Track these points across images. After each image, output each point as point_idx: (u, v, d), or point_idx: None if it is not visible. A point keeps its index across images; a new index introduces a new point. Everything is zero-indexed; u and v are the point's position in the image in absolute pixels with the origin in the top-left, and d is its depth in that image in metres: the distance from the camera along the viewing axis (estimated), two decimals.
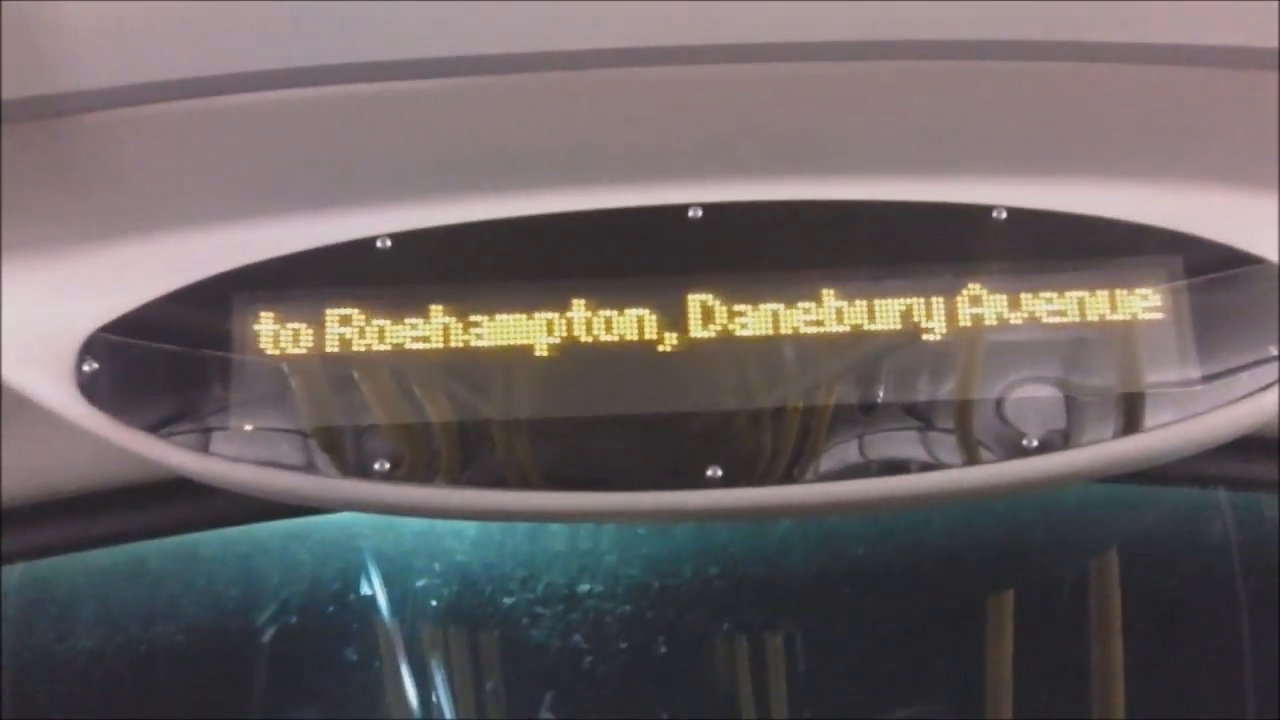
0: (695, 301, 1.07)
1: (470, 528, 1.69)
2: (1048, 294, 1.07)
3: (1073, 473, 1.09)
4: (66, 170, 1.04)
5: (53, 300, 1.10)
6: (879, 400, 1.07)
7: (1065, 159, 1.09)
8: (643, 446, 1.07)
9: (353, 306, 1.08)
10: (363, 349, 1.07)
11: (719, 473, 1.05)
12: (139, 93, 0.97)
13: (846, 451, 1.07)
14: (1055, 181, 1.10)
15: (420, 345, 1.07)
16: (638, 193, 1.10)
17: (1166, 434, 1.06)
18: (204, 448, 1.07)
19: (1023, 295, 1.07)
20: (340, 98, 0.99)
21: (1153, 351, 1.06)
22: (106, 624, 1.63)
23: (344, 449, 1.08)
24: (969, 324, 1.07)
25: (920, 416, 1.07)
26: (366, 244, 1.10)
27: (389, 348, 1.07)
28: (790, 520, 1.68)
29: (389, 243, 1.10)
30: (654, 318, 1.07)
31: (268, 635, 1.66)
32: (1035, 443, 1.06)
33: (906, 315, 1.07)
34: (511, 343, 1.07)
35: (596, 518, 1.46)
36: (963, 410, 1.07)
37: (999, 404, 1.06)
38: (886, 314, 1.07)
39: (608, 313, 1.07)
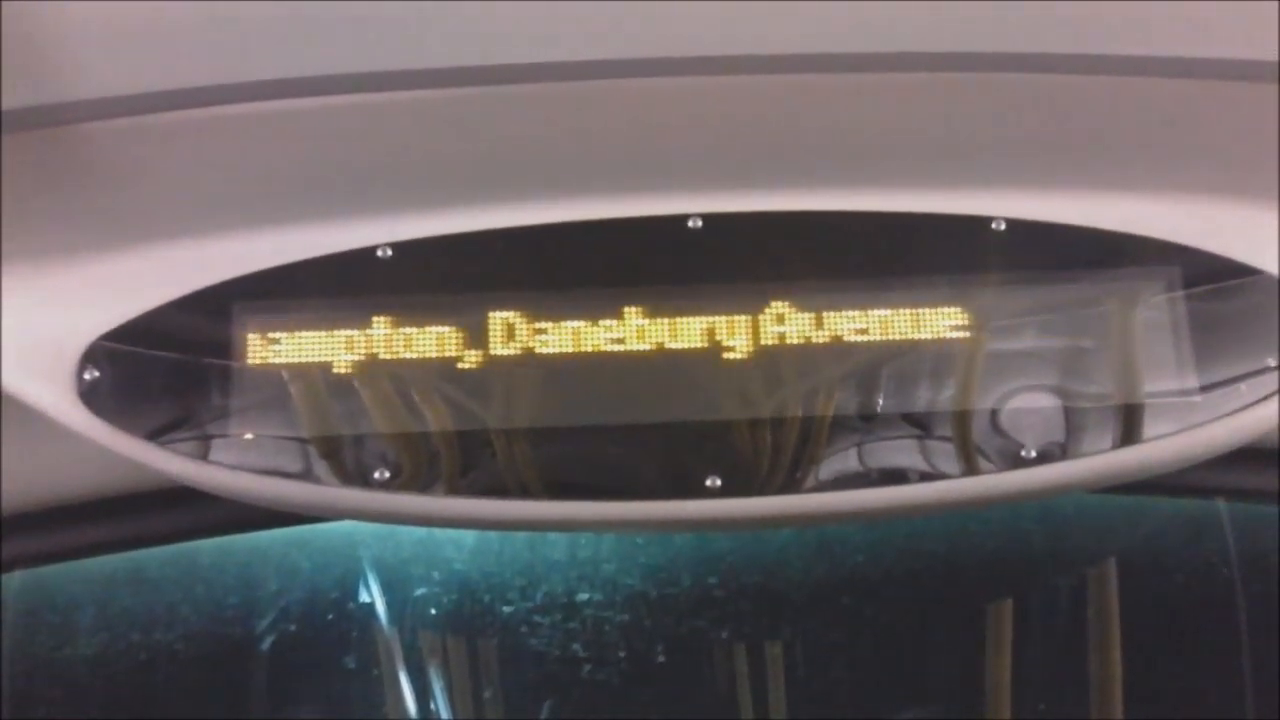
0: (694, 311, 1.07)
1: (469, 536, 1.69)
2: (1046, 304, 1.07)
3: (1071, 483, 1.09)
4: (68, 179, 1.04)
5: (54, 309, 1.10)
6: (878, 410, 1.07)
7: (1065, 171, 1.10)
8: (642, 456, 1.07)
9: (353, 315, 1.08)
10: (363, 357, 1.08)
11: (718, 482, 1.06)
12: (140, 102, 0.97)
13: (845, 461, 1.07)
14: (1055, 193, 1.10)
15: (420, 354, 1.07)
16: (638, 203, 1.11)
17: (1165, 445, 1.06)
18: (204, 456, 1.08)
19: (1021, 306, 1.07)
20: (341, 107, 0.99)
21: (1151, 362, 1.06)
22: (106, 631, 1.63)
23: (343, 457, 1.08)
24: (968, 334, 1.07)
25: (919, 426, 1.07)
26: (368, 253, 1.10)
27: (389, 356, 1.08)
28: (789, 529, 1.68)
29: (390, 251, 1.11)
30: (653, 327, 1.07)
31: (267, 643, 1.65)
32: (1034, 453, 1.06)
33: (908, 325, 1.07)
34: (510, 351, 1.07)
35: (595, 527, 1.46)
36: (962, 420, 1.07)
37: (997, 414, 1.06)
38: (885, 324, 1.07)
39: (607, 322, 1.08)
